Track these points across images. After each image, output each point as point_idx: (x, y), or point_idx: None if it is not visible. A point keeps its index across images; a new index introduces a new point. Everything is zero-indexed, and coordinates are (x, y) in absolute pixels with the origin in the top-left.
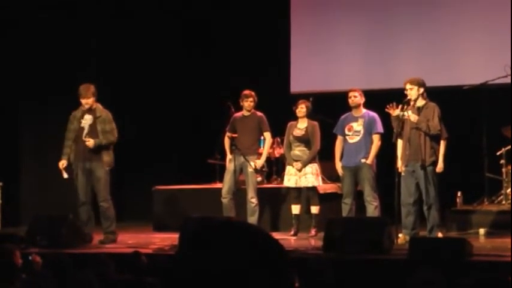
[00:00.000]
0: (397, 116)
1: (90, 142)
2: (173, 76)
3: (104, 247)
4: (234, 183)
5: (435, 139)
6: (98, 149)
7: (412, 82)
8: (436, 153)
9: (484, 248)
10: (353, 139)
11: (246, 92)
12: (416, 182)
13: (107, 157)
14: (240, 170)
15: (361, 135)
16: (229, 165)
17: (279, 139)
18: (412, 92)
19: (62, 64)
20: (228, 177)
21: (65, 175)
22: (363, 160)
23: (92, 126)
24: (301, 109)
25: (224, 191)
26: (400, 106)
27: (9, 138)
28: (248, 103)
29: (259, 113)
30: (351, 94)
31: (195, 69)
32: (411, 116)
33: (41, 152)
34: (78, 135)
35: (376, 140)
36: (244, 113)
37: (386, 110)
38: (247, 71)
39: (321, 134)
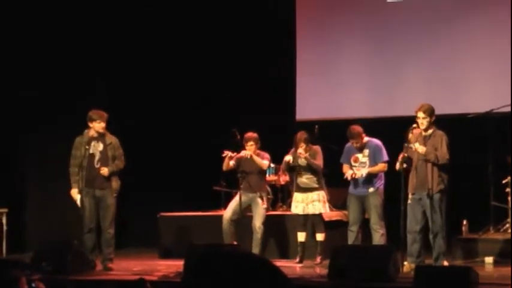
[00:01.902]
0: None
1: (105, 171)
2: (180, 102)
3: (109, 274)
4: (238, 212)
5: (443, 168)
6: (108, 176)
7: (426, 111)
8: (444, 181)
9: (490, 277)
10: (360, 171)
11: (247, 135)
12: (423, 210)
13: (115, 184)
14: (247, 205)
15: (367, 167)
16: (237, 197)
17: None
18: (425, 121)
19: (64, 92)
20: (233, 204)
21: (79, 203)
22: (371, 189)
23: (103, 153)
24: (301, 146)
25: (226, 216)
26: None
27: (14, 165)
28: (249, 147)
29: (264, 154)
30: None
31: (202, 96)
32: (419, 148)
33: (46, 178)
34: (87, 161)
35: (381, 166)
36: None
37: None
38: (254, 99)
39: (324, 161)
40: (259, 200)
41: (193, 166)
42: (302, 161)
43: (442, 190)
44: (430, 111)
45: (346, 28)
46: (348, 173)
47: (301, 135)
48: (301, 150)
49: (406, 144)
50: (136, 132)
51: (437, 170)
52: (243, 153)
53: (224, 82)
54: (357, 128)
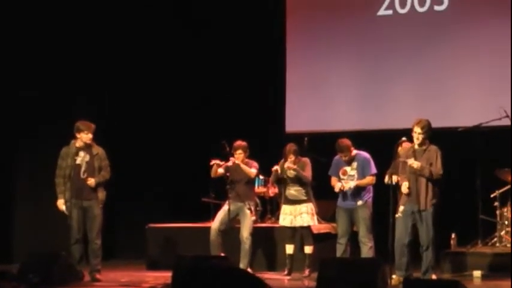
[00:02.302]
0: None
1: (92, 181)
2: (170, 114)
3: (96, 285)
4: (226, 222)
5: (436, 182)
6: (94, 187)
7: (423, 127)
8: (436, 195)
9: None
10: (348, 183)
11: (235, 144)
12: (413, 224)
13: (101, 194)
14: (235, 214)
15: (355, 180)
16: (226, 207)
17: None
18: (421, 136)
19: (52, 104)
20: (221, 215)
21: (67, 212)
22: (360, 202)
23: (89, 164)
24: (291, 158)
25: (214, 227)
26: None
27: (3, 177)
28: (237, 155)
29: (252, 163)
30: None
31: (192, 108)
32: (414, 163)
33: (34, 190)
34: (74, 172)
35: (370, 179)
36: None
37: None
38: (244, 111)
39: (313, 173)
40: (247, 211)
41: (182, 178)
42: (290, 173)
43: (435, 204)
44: (427, 127)
45: (336, 42)
46: (337, 186)
47: (291, 147)
48: (289, 163)
49: (400, 159)
50: (125, 143)
51: (431, 184)
52: (230, 161)
53: (214, 95)
54: (346, 141)
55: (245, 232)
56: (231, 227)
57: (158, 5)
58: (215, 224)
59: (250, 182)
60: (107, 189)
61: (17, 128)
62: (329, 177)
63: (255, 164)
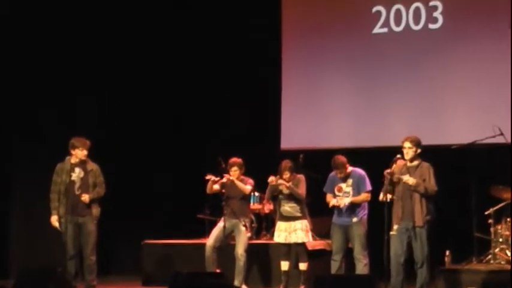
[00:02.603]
0: (390, 174)
1: (86, 197)
2: (164, 130)
3: None
4: (221, 239)
5: (430, 199)
6: (88, 203)
7: (412, 141)
8: (430, 212)
9: None
10: (343, 200)
11: (231, 161)
12: (408, 241)
13: (96, 211)
14: (230, 231)
15: (350, 196)
16: (221, 223)
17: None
18: (411, 151)
19: (48, 117)
20: (216, 232)
21: (59, 228)
22: (355, 219)
23: (84, 180)
24: (286, 175)
25: (209, 244)
26: (392, 165)
27: None
28: (233, 172)
29: (248, 180)
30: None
31: (187, 124)
32: (410, 180)
33: (29, 207)
34: (68, 188)
35: (365, 196)
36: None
37: (384, 174)
38: (239, 127)
39: (308, 189)
40: (242, 228)
41: (178, 194)
42: (285, 190)
43: (429, 221)
44: (416, 142)
45: (331, 59)
46: (332, 201)
47: (286, 163)
48: (282, 181)
49: (395, 176)
50: (121, 159)
51: (425, 201)
52: (225, 178)
53: (211, 112)
54: (341, 158)
55: (240, 249)
56: (226, 244)
57: (154, 22)
58: (210, 241)
59: (246, 198)
60: (104, 205)
61: (12, 144)
62: (324, 194)
63: (251, 180)
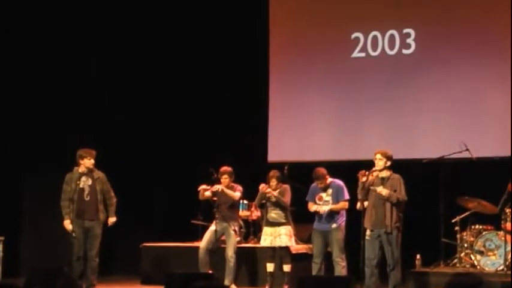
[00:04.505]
0: (364, 183)
1: (112, 221)
2: (159, 141)
3: None
4: (213, 241)
5: (399, 207)
6: (96, 209)
7: (382, 154)
8: (399, 219)
9: None
10: (323, 207)
11: (222, 169)
12: (380, 245)
13: (102, 215)
14: (221, 234)
15: (330, 205)
16: (212, 227)
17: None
18: (380, 162)
19: (55, 129)
20: (208, 235)
21: (72, 232)
22: (334, 226)
23: (92, 187)
24: (273, 183)
25: (202, 246)
26: (367, 173)
27: (11, 196)
28: (223, 180)
29: (237, 187)
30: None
31: (182, 136)
32: (383, 191)
33: (39, 210)
34: (78, 195)
35: (343, 204)
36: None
37: (358, 175)
38: (230, 142)
39: (292, 198)
40: (232, 232)
41: (173, 201)
42: (272, 198)
43: (398, 227)
44: (385, 155)
45: (314, 81)
46: (313, 207)
47: (274, 173)
48: (270, 190)
49: (371, 188)
50: (122, 172)
51: (395, 209)
52: (215, 187)
53: (203, 126)
54: (322, 170)
55: (230, 251)
56: (218, 247)
57: (152, 39)
58: (203, 244)
59: (235, 205)
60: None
61: (22, 148)
62: (306, 203)
63: (240, 187)
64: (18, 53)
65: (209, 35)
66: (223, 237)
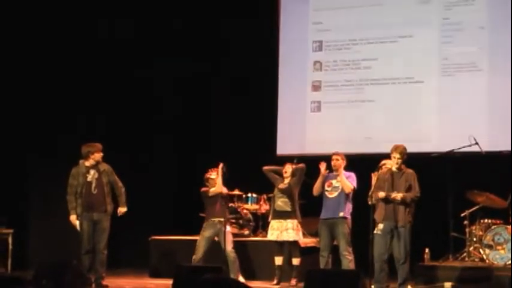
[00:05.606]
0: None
1: (122, 211)
2: (169, 136)
3: None
4: (209, 247)
5: (412, 202)
6: (104, 201)
7: (400, 153)
8: (411, 214)
9: None
10: (332, 194)
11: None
12: (391, 240)
13: (110, 207)
14: (215, 236)
15: (339, 191)
16: (205, 233)
17: (265, 196)
18: (400, 161)
19: (64, 123)
20: (202, 243)
21: (78, 228)
22: (341, 214)
23: (98, 180)
24: (286, 174)
25: (197, 256)
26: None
27: (20, 189)
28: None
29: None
30: (333, 157)
31: (188, 129)
32: (398, 196)
33: (49, 202)
34: (86, 189)
35: (349, 185)
36: None
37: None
38: (240, 136)
39: (300, 192)
40: (226, 228)
41: (182, 195)
42: (283, 185)
43: (410, 222)
44: (404, 153)
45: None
46: (382, 195)
47: (288, 164)
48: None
49: (381, 194)
50: (127, 159)
51: (407, 204)
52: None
53: (213, 123)
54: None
55: (228, 246)
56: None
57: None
58: (199, 253)
59: (224, 198)
60: (116, 203)
61: (30, 142)
62: (315, 197)
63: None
64: None
65: (217, 25)
66: (216, 239)
